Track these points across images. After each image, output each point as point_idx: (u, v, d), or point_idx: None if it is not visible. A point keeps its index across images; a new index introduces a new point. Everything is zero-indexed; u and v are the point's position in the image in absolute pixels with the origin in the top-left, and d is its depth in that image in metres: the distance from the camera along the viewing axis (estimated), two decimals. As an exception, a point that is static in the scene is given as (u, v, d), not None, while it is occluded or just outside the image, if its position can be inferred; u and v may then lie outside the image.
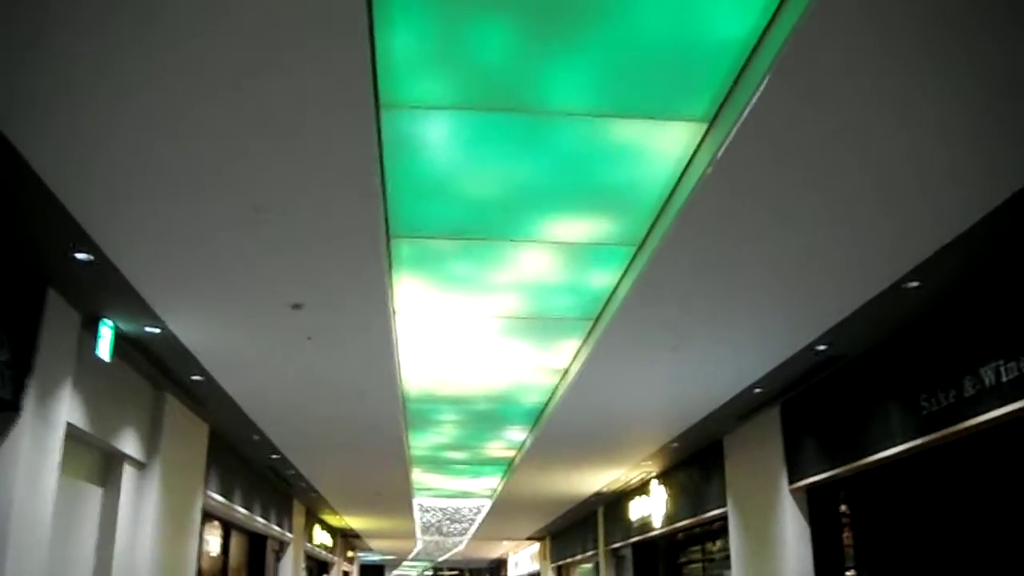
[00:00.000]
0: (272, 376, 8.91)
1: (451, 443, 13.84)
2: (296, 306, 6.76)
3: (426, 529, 27.35)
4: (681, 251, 5.89)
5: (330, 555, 26.13)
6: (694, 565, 16.06)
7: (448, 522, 25.00)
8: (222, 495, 12.43)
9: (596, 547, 20.75)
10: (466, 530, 27.09)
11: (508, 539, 30.98)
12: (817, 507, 9.93)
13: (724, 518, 12.48)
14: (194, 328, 7.45)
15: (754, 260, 5.96)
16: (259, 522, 15.17)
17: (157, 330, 7.40)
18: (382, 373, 8.71)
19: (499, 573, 47.06)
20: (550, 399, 10.71)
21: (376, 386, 9.17)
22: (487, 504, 20.95)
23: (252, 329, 7.44)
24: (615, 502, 18.53)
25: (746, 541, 11.35)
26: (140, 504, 9.24)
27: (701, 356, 8.28)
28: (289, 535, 18.40)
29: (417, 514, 22.60)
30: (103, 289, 6.45)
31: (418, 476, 16.98)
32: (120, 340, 7.46)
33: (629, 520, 17.28)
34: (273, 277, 6.28)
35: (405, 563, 48.87)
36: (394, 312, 7.42)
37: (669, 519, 14.80)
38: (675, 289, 6.57)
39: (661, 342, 7.76)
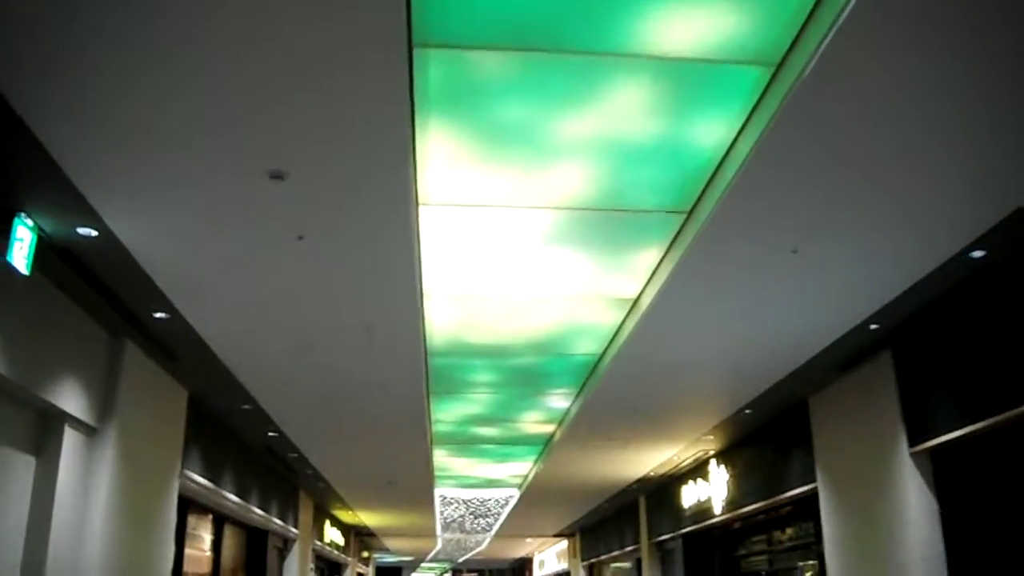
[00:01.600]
0: (255, 307, 6.86)
1: (481, 414, 11.76)
2: (276, 176, 4.69)
3: (447, 526, 25.27)
4: (835, 83, 3.88)
5: (343, 555, 24.07)
6: (756, 557, 14.01)
7: (471, 517, 22.89)
8: (207, 478, 10.39)
9: (637, 541, 18.66)
10: (490, 526, 25.00)
11: (534, 536, 28.84)
12: (948, 475, 7.84)
13: (808, 499, 10.42)
14: (144, 231, 5.44)
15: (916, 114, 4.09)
16: (257, 514, 13.12)
17: (94, 232, 5.40)
18: (399, 289, 6.56)
19: (522, 574, 44.93)
20: (607, 348, 8.63)
21: (392, 315, 7.05)
22: (515, 495, 18.85)
23: (221, 223, 5.38)
24: (661, 489, 16.45)
25: (847, 522, 9.25)
26: (89, 480, 7.19)
27: (819, 269, 6.23)
28: (294, 531, 16.36)
29: (438, 507, 20.50)
30: (17, 171, 4.62)
31: (440, 459, 14.89)
32: (47, 251, 5.45)
33: (680, 508, 15.19)
34: (245, 137, 4.27)
35: (423, 564, 46.78)
36: (416, 199, 5.30)
37: (732, 504, 12.71)
38: (817, 150, 4.53)
39: (780, 239, 5.68)
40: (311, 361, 8.25)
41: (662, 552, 17.72)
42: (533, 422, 12.05)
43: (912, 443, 7.93)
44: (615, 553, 21.39)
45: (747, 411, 10.45)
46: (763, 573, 13.84)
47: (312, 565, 19.49)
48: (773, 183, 4.95)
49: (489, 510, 21.12)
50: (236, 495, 11.79)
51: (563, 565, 30.14)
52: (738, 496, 12.49)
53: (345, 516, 22.21)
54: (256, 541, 14.62)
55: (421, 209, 5.56)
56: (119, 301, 6.60)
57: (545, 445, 13.65)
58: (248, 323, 7.17)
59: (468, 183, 5.43)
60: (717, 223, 5.45)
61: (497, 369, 9.43)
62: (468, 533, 27.08)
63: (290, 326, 7.27)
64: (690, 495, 14.63)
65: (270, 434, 11.50)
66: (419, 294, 6.55)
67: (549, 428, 12.47)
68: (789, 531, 12.65)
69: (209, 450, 10.46)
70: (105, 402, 7.34)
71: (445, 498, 19.34)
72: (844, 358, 8.38)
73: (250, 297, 6.61)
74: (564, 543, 29.50)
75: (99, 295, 6.43)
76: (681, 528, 15.40)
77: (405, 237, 5.52)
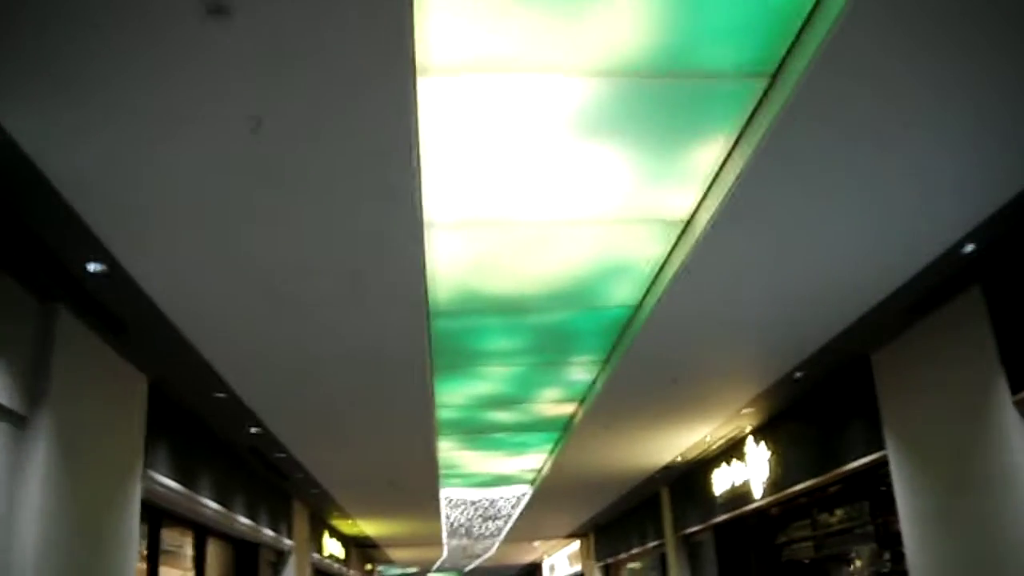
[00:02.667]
0: (210, 248, 5.44)
1: (493, 394, 10.32)
2: (215, 10, 3.29)
3: (453, 532, 23.80)
4: None
5: (343, 568, 22.59)
6: (799, 545, 12.63)
7: (480, 520, 21.41)
8: (179, 482, 8.96)
9: (661, 535, 17.25)
10: (500, 529, 23.54)
11: (545, 538, 27.36)
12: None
13: (865, 473, 9.12)
14: (52, 132, 4.01)
15: None
16: (243, 524, 11.69)
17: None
18: (394, 211, 5.15)
19: (531, 580, 43.47)
20: (646, 296, 7.23)
21: (386, 250, 5.63)
22: (527, 493, 17.41)
23: (157, 121, 3.96)
24: (687, 477, 15.07)
25: (930, 493, 7.86)
26: (17, 477, 5.75)
27: (920, 165, 4.88)
28: (288, 543, 14.91)
29: (444, 511, 19.03)
30: None
31: (446, 454, 13.43)
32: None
33: (710, 496, 13.81)
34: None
35: (429, 574, 45.25)
36: (414, 62, 3.85)
37: (776, 485, 11.33)
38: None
39: (878, 120, 4.30)
40: (289, 329, 6.84)
41: (690, 546, 16.32)
42: (552, 401, 10.63)
43: (1016, 390, 6.56)
44: (635, 551, 19.98)
45: (797, 374, 9.08)
46: (808, 562, 12.47)
47: (311, 580, 18.04)
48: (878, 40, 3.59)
49: (499, 511, 19.66)
50: (217, 503, 10.37)
51: (575, 568, 28.70)
52: (782, 476, 11.10)
53: (344, 526, 20.76)
54: (245, 556, 13.19)
55: (421, 81, 4.11)
56: (39, 246, 5.19)
57: (563, 430, 12.23)
58: (205, 273, 5.75)
59: (479, 39, 4.00)
60: (805, 96, 4.07)
61: (513, 332, 7.99)
62: (476, 539, 25.60)
63: (257, 276, 5.84)
64: (723, 480, 13.26)
65: (252, 430, 10.07)
66: (419, 213, 5.10)
67: (569, 408, 11.05)
68: (839, 513, 11.30)
69: (180, 449, 9.05)
70: (35, 385, 5.91)
71: (451, 500, 17.88)
72: (922, 296, 7.03)
73: (201, 234, 5.18)
74: (576, 544, 28.08)
75: (11, 241, 5.02)
76: (713, 518, 14.02)
77: (401, 120, 4.10)
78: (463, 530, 23.13)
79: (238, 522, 11.45)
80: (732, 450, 12.69)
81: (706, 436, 12.15)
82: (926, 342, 7.67)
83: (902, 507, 8.27)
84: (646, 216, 5.80)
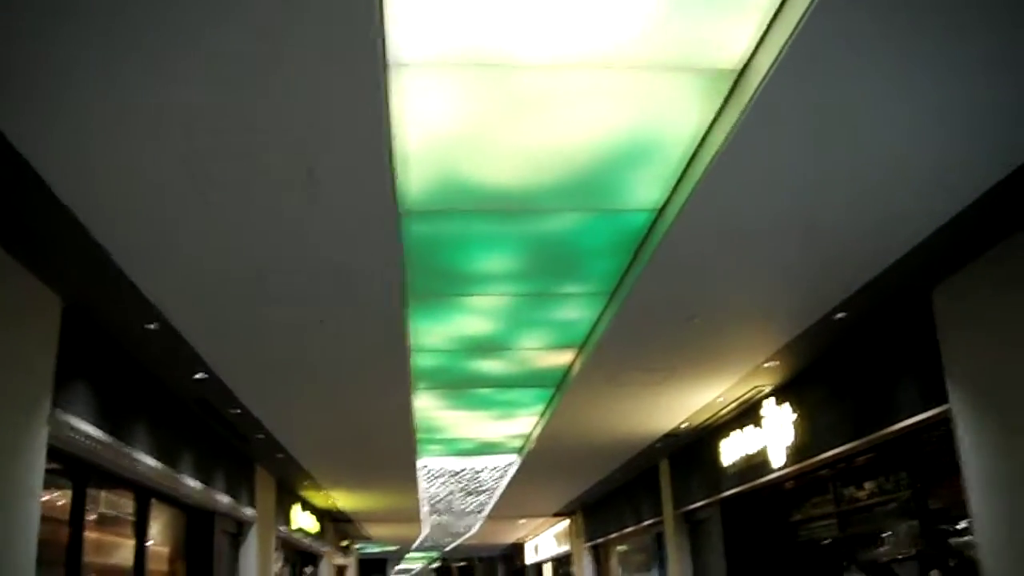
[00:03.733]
0: (120, 114, 3.98)
1: (480, 336, 8.84)
2: None
3: (434, 508, 22.36)
4: None
5: (317, 544, 21.17)
6: (820, 523, 11.29)
7: (462, 495, 19.94)
8: (105, 431, 7.50)
9: (658, 512, 15.88)
10: (483, 505, 22.12)
11: (532, 516, 25.96)
12: None
13: (923, 432, 7.76)
14: None
15: None
16: (191, 488, 10.25)
17: None
18: (353, 70, 3.73)
19: (513, 563, 42.12)
20: (672, 195, 5.78)
21: (339, 143, 4.20)
22: (514, 463, 15.97)
23: None
24: (692, 447, 13.71)
25: (1006, 454, 6.45)
26: None
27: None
28: (250, 512, 13.47)
29: (422, 483, 17.57)
30: None
31: (425, 413, 11.96)
32: None
33: (719, 468, 12.42)
34: None
35: (408, 555, 43.92)
36: None
37: (802, 452, 9.94)
38: None
39: None
40: (230, 232, 5.39)
41: (691, 524, 14.96)
42: (547, 347, 9.19)
43: None
44: (628, 530, 18.61)
45: (839, 315, 7.67)
46: (827, 542, 11.12)
47: (279, 554, 16.61)
48: None
49: (482, 485, 18.20)
50: (157, 459, 8.91)
51: (562, 547, 27.36)
52: (809, 441, 9.71)
53: (317, 499, 19.34)
54: (199, 524, 11.73)
55: None
56: None
57: (558, 387, 10.80)
58: (115, 150, 4.28)
59: None
60: None
61: (503, 244, 6.51)
62: (458, 516, 24.17)
63: (192, 160, 4.38)
64: (733, 449, 11.86)
65: (197, 376, 8.63)
66: (382, 49, 3.64)
67: (566, 357, 9.61)
68: (869, 486, 9.93)
69: (107, 393, 7.58)
70: None
71: (431, 471, 16.39)
72: (1004, 215, 5.65)
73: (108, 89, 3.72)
74: (563, 524, 26.74)
75: None
76: (721, 491, 12.64)
77: None
78: (444, 505, 21.70)
79: (185, 484, 10.01)
80: (746, 416, 11.30)
81: (719, 397, 10.76)
82: (1006, 273, 6.26)
83: (971, 473, 6.86)
84: (685, 62, 4.32)
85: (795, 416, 9.99)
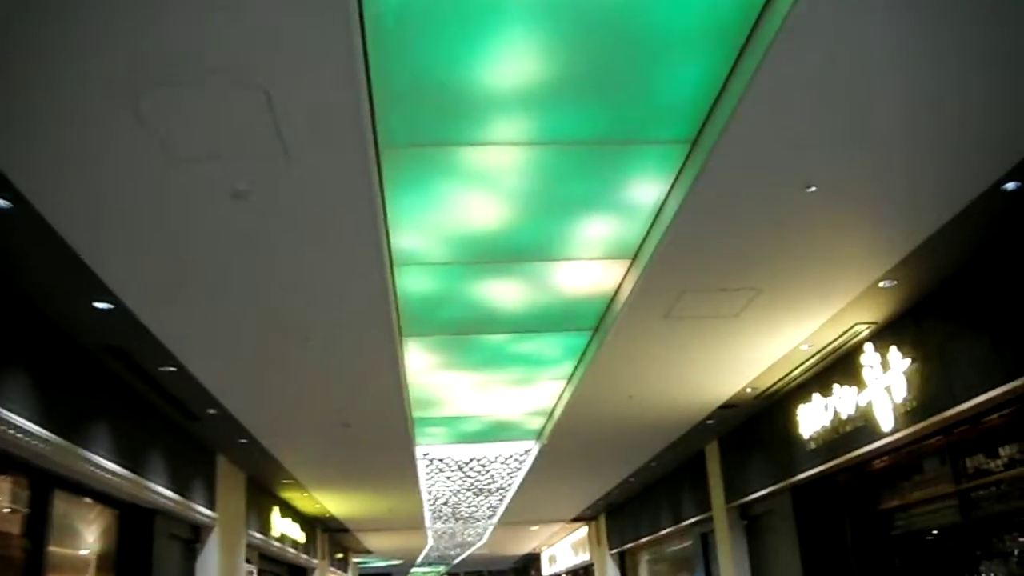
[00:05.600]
0: None
1: (488, 232, 6.24)
2: None
3: (438, 514, 19.71)
4: None
5: (305, 556, 18.55)
6: (927, 509, 8.74)
7: (470, 496, 17.24)
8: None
9: (704, 507, 13.28)
10: (494, 509, 19.48)
11: (547, 522, 23.21)
12: None
13: None
14: None
15: None
16: (109, 474, 7.68)
17: None
18: None
19: (527, 573, 39.44)
20: None
21: None
22: (531, 450, 13.32)
23: None
24: (750, 423, 11.21)
25: None
26: None
27: None
28: (208, 514, 10.89)
29: (423, 479, 14.89)
30: None
31: (420, 376, 9.37)
32: None
33: (793, 444, 9.86)
34: None
35: (414, 569, 41.27)
36: None
37: (925, 408, 7.36)
38: None
39: None
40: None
41: (749, 519, 12.33)
42: (587, 254, 6.60)
43: None
44: (665, 531, 15.96)
45: (1009, 184, 5.17)
46: (935, 534, 8.60)
47: (253, 569, 14.01)
48: None
49: (493, 481, 15.49)
50: (50, 431, 6.37)
51: (582, 557, 24.69)
52: (941, 392, 7.12)
53: (302, 503, 16.73)
54: (133, 526, 9.16)
55: None
56: None
57: (597, 327, 8.21)
58: None
59: None
60: None
61: (536, 23, 3.97)
62: (465, 521, 21.50)
63: None
64: (814, 418, 9.27)
65: (97, 304, 6.09)
66: None
67: (612, 276, 7.02)
68: (1008, 451, 7.36)
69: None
70: None
71: (433, 460, 13.65)
72: None
73: None
74: (582, 531, 24.11)
75: None
76: (795, 473, 10.03)
77: None
78: (449, 510, 19.03)
79: (101, 470, 7.44)
80: (833, 371, 8.77)
81: (803, 343, 8.24)
82: None
83: None
84: None
85: (914, 363, 7.40)
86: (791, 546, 10.61)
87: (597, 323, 7.99)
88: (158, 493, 8.96)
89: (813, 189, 5.16)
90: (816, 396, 9.16)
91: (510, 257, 6.55)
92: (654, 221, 6.01)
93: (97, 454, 7.36)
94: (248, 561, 13.55)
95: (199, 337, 7.01)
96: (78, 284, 5.71)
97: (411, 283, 6.86)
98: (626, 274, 6.88)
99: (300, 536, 17.69)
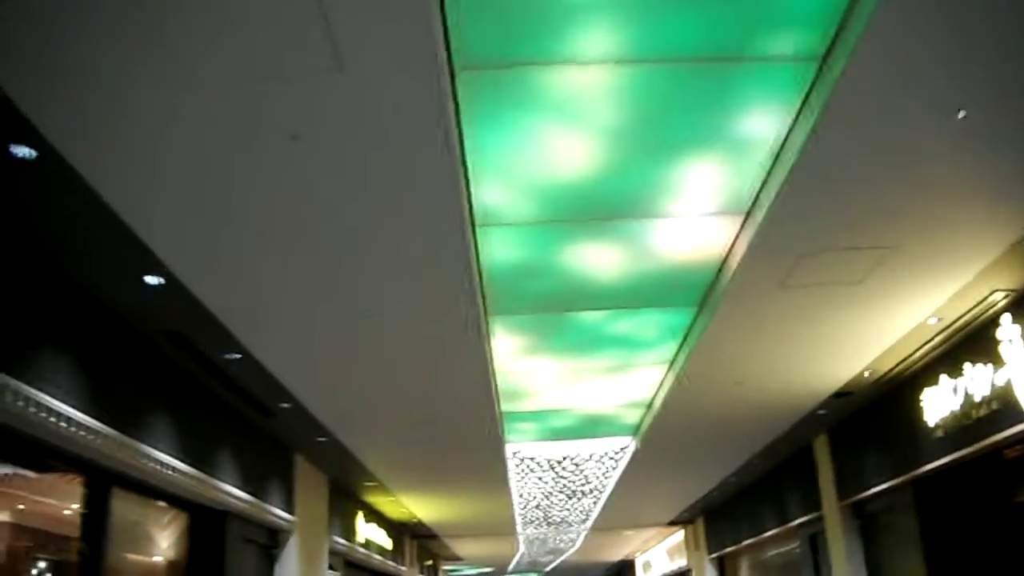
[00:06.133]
0: None
1: (583, 180, 5.45)
2: None
3: (529, 518, 18.97)
4: None
5: (392, 563, 17.97)
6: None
7: (562, 499, 16.41)
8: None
9: (814, 507, 12.32)
10: (588, 513, 18.68)
11: (642, 526, 22.30)
12: None
13: None
14: None
15: None
16: (171, 471, 7.10)
17: None
18: None
19: (621, 582, 38.45)
20: None
21: None
22: (628, 447, 12.49)
23: None
24: (865, 412, 10.29)
25: None
26: None
27: None
28: (287, 517, 10.33)
29: (513, 481, 14.18)
30: None
31: (508, 360, 8.64)
32: None
33: (918, 431, 8.92)
34: None
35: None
36: None
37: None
38: None
39: None
40: None
41: (864, 518, 11.36)
42: (695, 209, 5.81)
43: None
44: (769, 533, 15.00)
45: None
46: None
47: (336, 575, 13.43)
48: None
49: (587, 482, 14.68)
50: (102, 422, 5.81)
51: (678, 563, 23.72)
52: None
53: (388, 507, 16.14)
54: (203, 529, 8.60)
55: None
56: None
57: (703, 302, 7.37)
58: None
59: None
60: None
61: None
62: (557, 527, 20.72)
63: None
64: (942, 402, 8.35)
65: (150, 279, 5.50)
66: None
67: (723, 236, 6.19)
68: None
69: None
70: None
71: (523, 459, 12.93)
72: None
73: None
74: (678, 536, 23.16)
75: None
76: (920, 465, 9.07)
77: None
78: (541, 514, 18.27)
79: (162, 466, 6.87)
80: (964, 348, 7.84)
81: (931, 317, 7.34)
82: None
83: None
84: None
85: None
86: (913, 546, 9.65)
87: (703, 296, 7.16)
88: (229, 494, 8.40)
89: (963, 114, 4.33)
90: (943, 378, 8.24)
91: (604, 213, 5.78)
92: (774, 163, 5.18)
93: (157, 448, 6.79)
94: (332, 568, 12.98)
95: (262, 317, 6.39)
96: (130, 258, 5.13)
97: (493, 248, 6.13)
98: (739, 233, 6.06)
99: (387, 542, 17.12)
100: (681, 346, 8.34)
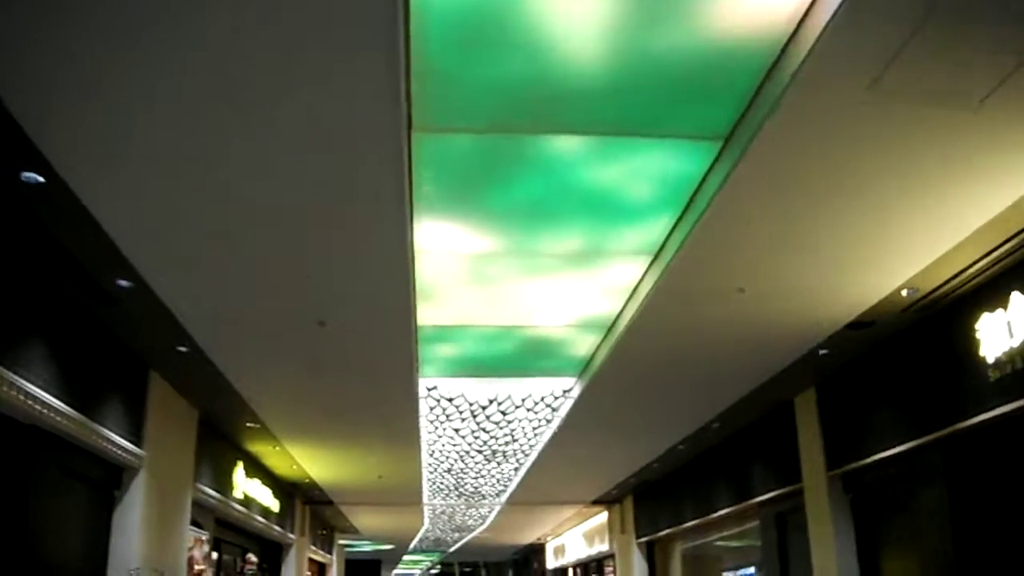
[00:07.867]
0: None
1: None
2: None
3: (438, 485, 16.61)
4: None
5: (279, 529, 15.52)
6: None
7: (480, 460, 14.01)
8: None
9: (792, 480, 10.17)
10: (505, 485, 16.41)
11: (563, 502, 19.97)
12: None
13: None
14: None
15: None
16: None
17: None
18: None
19: (528, 567, 36.34)
20: None
21: None
22: (574, 388, 10.15)
23: None
24: (882, 354, 8.17)
25: None
26: None
27: None
28: (134, 451, 7.89)
29: (424, 430, 11.77)
30: None
31: (424, 218, 6.16)
32: None
33: (971, 368, 6.80)
34: None
35: (406, 557, 38.28)
36: None
37: None
38: None
39: None
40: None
41: (857, 491, 9.26)
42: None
43: None
44: (720, 513, 12.86)
45: None
46: None
47: (205, 535, 10.98)
48: None
49: (513, 437, 12.29)
50: None
51: (598, 548, 21.60)
52: None
53: (277, 462, 13.70)
54: (5, 451, 6.15)
55: None
56: None
57: (726, 143, 5.02)
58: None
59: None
60: None
61: None
62: (469, 498, 18.41)
63: None
64: (1001, 335, 6.29)
65: None
66: None
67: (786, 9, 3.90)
68: None
69: None
70: None
71: (439, 400, 10.42)
72: None
73: None
74: (598, 518, 21.06)
75: None
76: (965, 417, 6.94)
77: None
78: (453, 480, 15.93)
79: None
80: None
81: (966, 242, 5.24)
82: None
83: None
84: None
85: None
86: (935, 524, 7.60)
87: (741, 112, 4.76)
88: (38, 400, 5.96)
89: None
90: (999, 310, 6.17)
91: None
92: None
93: None
94: (198, 525, 10.54)
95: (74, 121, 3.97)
96: None
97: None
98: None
99: (273, 503, 14.67)
100: (682, 216, 5.96)
